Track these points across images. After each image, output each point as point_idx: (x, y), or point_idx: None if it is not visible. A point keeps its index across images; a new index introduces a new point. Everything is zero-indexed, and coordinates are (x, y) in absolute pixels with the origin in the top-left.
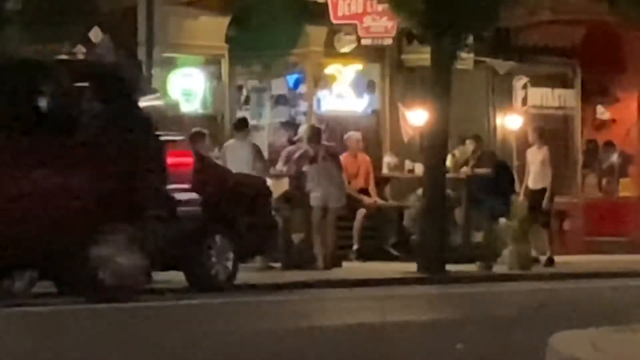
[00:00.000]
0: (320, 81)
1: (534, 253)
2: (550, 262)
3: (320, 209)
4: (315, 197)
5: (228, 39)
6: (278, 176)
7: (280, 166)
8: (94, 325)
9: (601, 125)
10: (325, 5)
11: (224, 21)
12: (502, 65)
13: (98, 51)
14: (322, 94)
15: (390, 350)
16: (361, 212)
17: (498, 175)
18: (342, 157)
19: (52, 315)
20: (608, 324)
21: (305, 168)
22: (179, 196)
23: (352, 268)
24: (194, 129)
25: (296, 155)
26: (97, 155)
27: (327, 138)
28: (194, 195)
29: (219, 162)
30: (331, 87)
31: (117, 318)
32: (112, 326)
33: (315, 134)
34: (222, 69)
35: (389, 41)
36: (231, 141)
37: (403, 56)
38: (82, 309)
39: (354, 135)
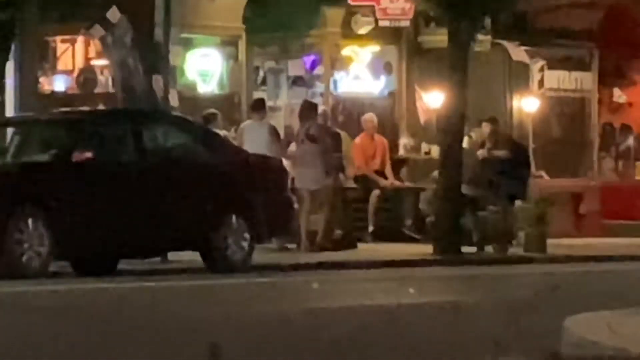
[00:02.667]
0: (337, 63)
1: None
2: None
3: (304, 191)
4: (296, 179)
5: (245, 20)
6: (294, 157)
7: (294, 147)
8: (112, 304)
9: (618, 108)
10: None
11: (241, 2)
12: (518, 54)
13: (115, 31)
14: (339, 75)
15: (405, 332)
16: (375, 194)
17: (514, 157)
18: (359, 139)
19: (70, 294)
20: (624, 306)
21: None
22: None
23: (368, 249)
24: (207, 110)
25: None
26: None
27: (343, 119)
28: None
29: (235, 142)
30: (348, 69)
31: (132, 297)
32: (128, 306)
33: (305, 110)
34: (239, 50)
35: (406, 23)
36: (248, 122)
37: (420, 38)
38: (97, 288)
39: (367, 117)
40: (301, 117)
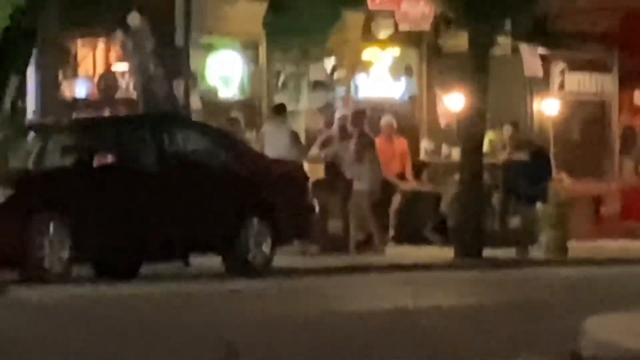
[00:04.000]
0: (358, 66)
1: None
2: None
3: (365, 194)
4: (360, 182)
5: (266, 24)
6: (315, 161)
7: (314, 150)
8: (135, 309)
9: (638, 111)
10: None
11: (262, 6)
12: (531, 68)
13: (136, 36)
14: (360, 79)
15: (425, 334)
16: (397, 198)
17: (535, 160)
18: (377, 142)
19: (91, 298)
20: None
21: (336, 151)
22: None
23: (389, 252)
24: (229, 116)
25: (320, 140)
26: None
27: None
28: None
29: (256, 146)
30: (368, 73)
31: (156, 302)
32: (152, 310)
33: (356, 118)
34: (260, 54)
35: (426, 27)
36: (269, 126)
37: (440, 41)
38: (119, 293)
39: (384, 120)
40: (353, 126)
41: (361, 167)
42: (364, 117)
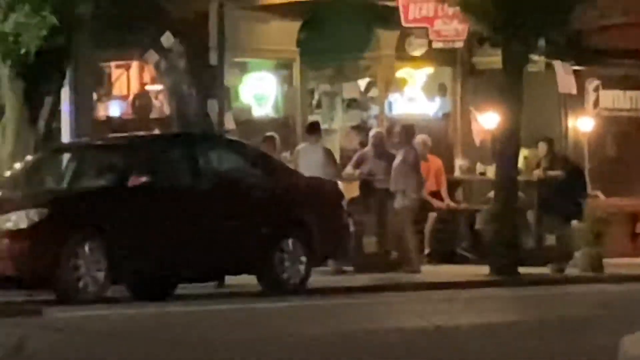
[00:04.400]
0: (392, 84)
1: None
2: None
3: (409, 210)
4: (404, 199)
5: (299, 43)
6: (350, 179)
7: (349, 170)
8: (172, 329)
9: None
10: (396, 9)
11: (295, 25)
12: (565, 85)
13: (169, 56)
14: (394, 97)
15: (462, 352)
16: (432, 216)
17: (570, 177)
18: None
19: (126, 319)
20: None
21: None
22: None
23: (425, 271)
24: (265, 134)
25: (355, 158)
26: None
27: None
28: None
29: (291, 165)
30: (402, 91)
31: (192, 322)
32: (188, 330)
33: (405, 134)
34: (294, 73)
35: (460, 44)
36: (303, 145)
37: (474, 59)
38: (156, 314)
39: (419, 139)
40: (400, 142)
41: (409, 183)
42: (413, 132)
